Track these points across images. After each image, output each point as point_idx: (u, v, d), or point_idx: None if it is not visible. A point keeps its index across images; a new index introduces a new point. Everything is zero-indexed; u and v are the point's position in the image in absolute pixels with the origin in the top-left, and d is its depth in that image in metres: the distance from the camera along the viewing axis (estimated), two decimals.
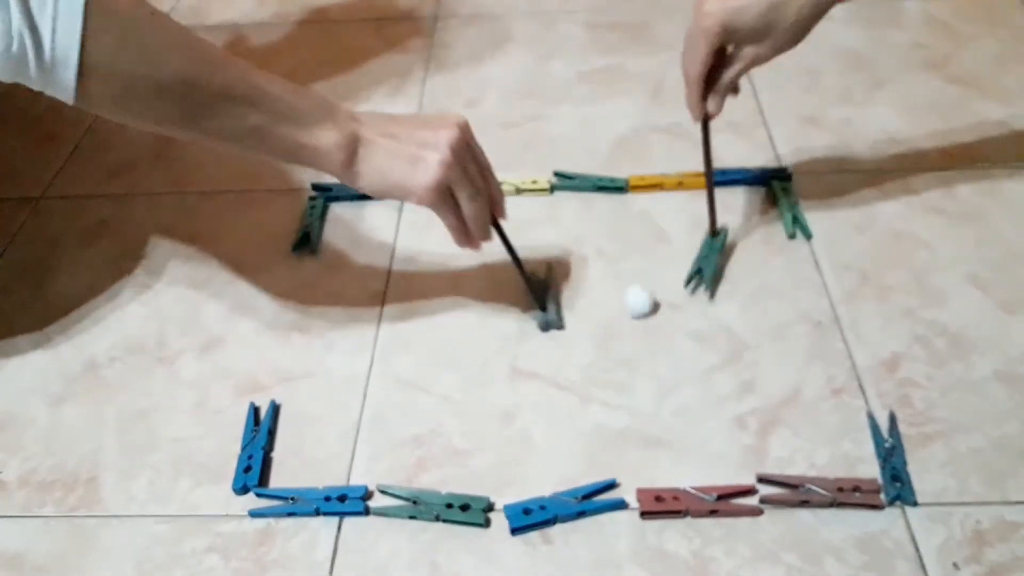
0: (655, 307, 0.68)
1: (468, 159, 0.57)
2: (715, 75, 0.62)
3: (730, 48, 0.61)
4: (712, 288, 0.69)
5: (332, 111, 0.55)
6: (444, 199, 0.57)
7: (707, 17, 0.58)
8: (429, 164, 0.55)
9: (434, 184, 0.55)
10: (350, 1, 1.12)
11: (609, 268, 0.73)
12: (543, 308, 0.68)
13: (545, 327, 0.68)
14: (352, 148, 0.55)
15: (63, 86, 0.47)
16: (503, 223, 0.63)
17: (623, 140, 0.87)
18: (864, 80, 0.92)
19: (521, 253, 0.67)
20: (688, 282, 0.70)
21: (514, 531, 0.55)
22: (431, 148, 0.55)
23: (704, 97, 0.63)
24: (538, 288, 0.69)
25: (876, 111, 0.88)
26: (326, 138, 0.54)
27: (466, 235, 0.60)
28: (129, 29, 0.48)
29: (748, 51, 0.60)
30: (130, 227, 0.81)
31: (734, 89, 0.64)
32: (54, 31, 0.45)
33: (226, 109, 0.51)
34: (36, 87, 0.47)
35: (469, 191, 0.57)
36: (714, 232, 0.72)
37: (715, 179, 0.81)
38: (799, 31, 0.59)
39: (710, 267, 0.70)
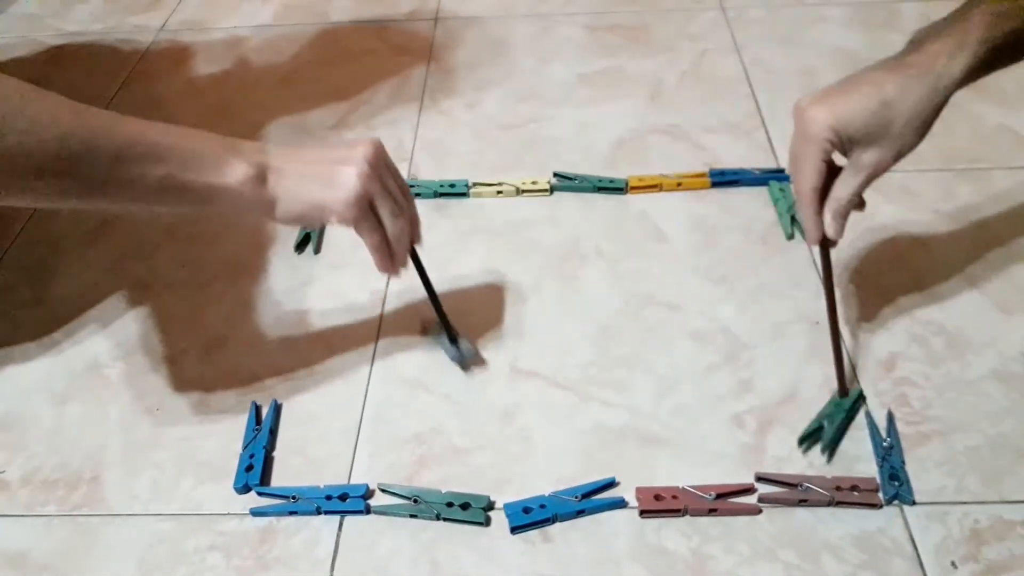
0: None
1: (387, 174, 0.55)
2: (828, 187, 0.54)
3: (842, 159, 0.54)
4: (831, 451, 0.59)
5: (235, 146, 0.52)
6: (366, 214, 0.54)
7: (813, 124, 0.51)
8: (347, 178, 0.52)
9: (354, 198, 0.52)
10: (352, 4, 1.13)
11: (608, 268, 0.73)
12: (453, 341, 0.65)
13: (460, 362, 0.65)
14: (262, 177, 0.52)
15: None
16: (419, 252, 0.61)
17: (622, 141, 0.87)
18: None
19: (452, 282, 0.67)
20: (802, 441, 0.59)
21: (514, 530, 0.56)
22: (347, 163, 0.53)
23: (819, 212, 0.55)
24: (451, 322, 0.65)
25: None
26: (234, 174, 0.51)
27: (389, 256, 0.56)
28: (10, 110, 0.44)
29: (867, 157, 0.52)
30: (132, 228, 0.81)
31: (859, 204, 0.55)
32: None
33: (126, 171, 0.48)
34: None
35: (391, 207, 0.55)
36: (843, 391, 0.62)
37: (713, 180, 0.81)
38: (921, 127, 0.52)
39: (833, 427, 0.59)
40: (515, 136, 0.89)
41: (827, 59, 0.96)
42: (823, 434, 0.59)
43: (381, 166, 0.54)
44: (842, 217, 0.55)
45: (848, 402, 0.61)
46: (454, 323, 0.65)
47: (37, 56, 1.07)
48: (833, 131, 0.51)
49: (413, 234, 0.58)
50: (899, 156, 0.53)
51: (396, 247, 0.56)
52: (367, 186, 0.53)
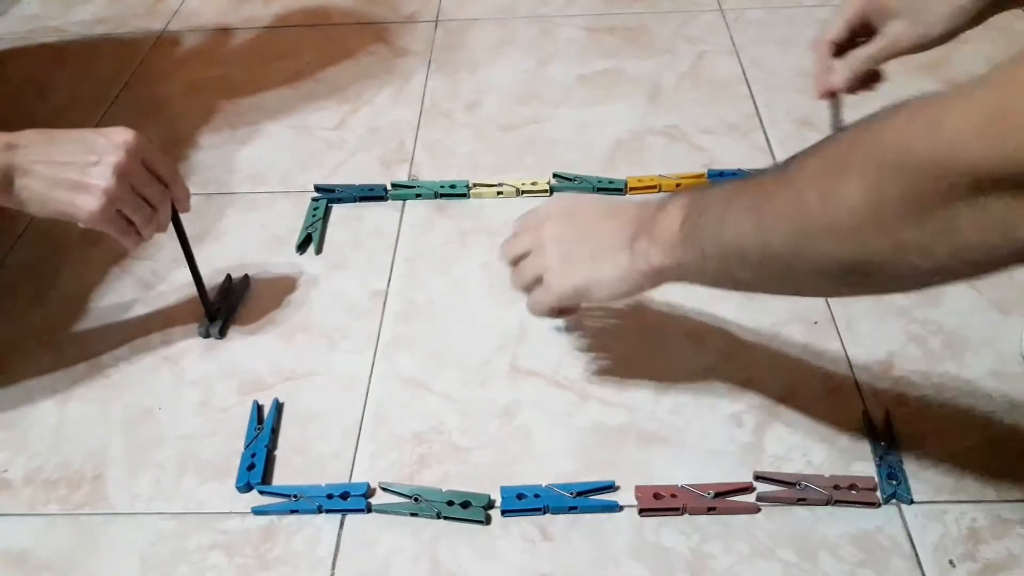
0: None
1: (140, 180, 0.56)
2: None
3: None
4: None
5: None
6: (111, 221, 0.56)
7: None
8: (93, 192, 0.54)
9: (99, 212, 0.55)
10: (352, 5, 1.13)
11: None
12: (211, 318, 0.69)
13: (204, 335, 0.69)
14: (8, 180, 0.53)
15: None
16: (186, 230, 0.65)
17: (621, 142, 0.87)
18: None
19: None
20: None
21: (504, 513, 0.56)
22: (96, 176, 0.54)
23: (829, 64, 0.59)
24: (212, 296, 0.70)
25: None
26: None
27: (136, 243, 0.60)
28: None
29: (892, 28, 0.56)
30: None
31: (872, 77, 0.60)
32: None
33: None
34: None
35: (141, 215, 0.57)
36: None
37: (711, 181, 0.81)
38: (955, 20, 0.54)
39: None
40: (515, 137, 0.89)
41: None
42: None
43: (132, 173, 0.55)
44: (852, 71, 0.59)
45: None
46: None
47: (40, 57, 1.08)
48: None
49: (179, 207, 0.62)
50: (919, 40, 0.56)
51: (145, 236, 0.60)
52: (113, 199, 0.54)
